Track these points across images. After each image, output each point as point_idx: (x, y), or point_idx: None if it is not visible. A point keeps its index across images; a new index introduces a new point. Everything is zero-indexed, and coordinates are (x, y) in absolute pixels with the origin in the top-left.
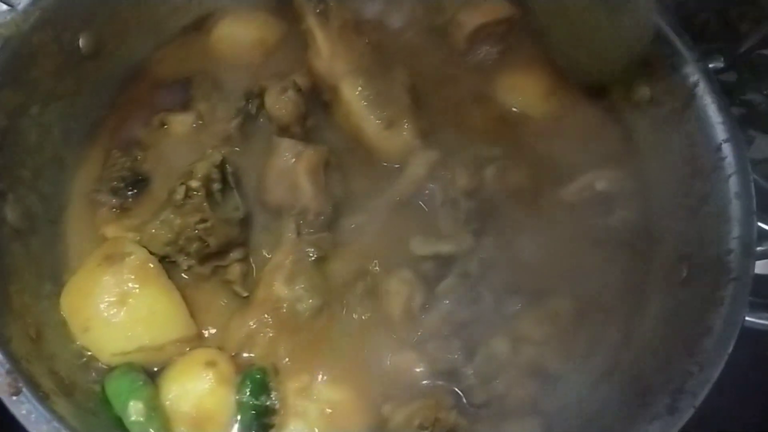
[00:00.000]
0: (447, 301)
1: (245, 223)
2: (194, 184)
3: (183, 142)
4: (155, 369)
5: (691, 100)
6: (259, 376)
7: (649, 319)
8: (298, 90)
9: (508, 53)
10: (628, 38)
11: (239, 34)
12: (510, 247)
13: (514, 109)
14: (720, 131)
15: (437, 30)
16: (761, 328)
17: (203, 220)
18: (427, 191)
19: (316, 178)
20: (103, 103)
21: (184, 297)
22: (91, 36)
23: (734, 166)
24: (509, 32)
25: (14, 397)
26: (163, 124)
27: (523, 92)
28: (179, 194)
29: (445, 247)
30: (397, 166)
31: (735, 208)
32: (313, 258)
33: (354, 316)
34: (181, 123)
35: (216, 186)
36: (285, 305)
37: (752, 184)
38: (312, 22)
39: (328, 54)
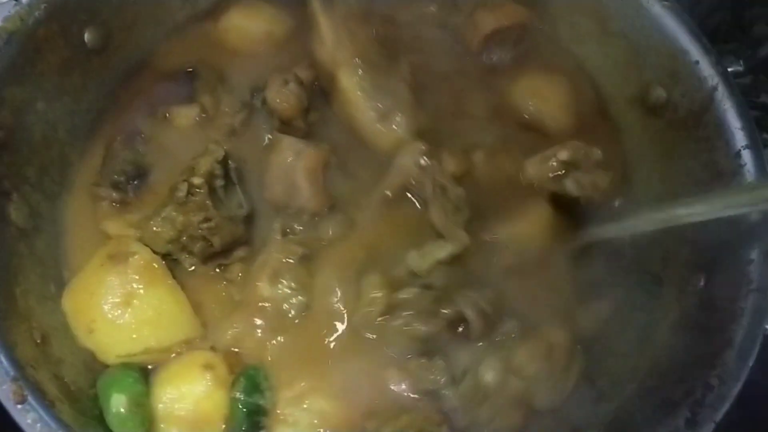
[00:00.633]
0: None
1: (249, 220)
2: (197, 180)
3: (186, 135)
4: (149, 367)
5: (709, 104)
6: (253, 374)
7: (666, 328)
8: (300, 83)
9: (524, 58)
10: None
11: (247, 26)
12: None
13: (525, 116)
14: (740, 137)
15: (450, 28)
16: None
17: (207, 219)
18: (415, 182)
19: (315, 179)
20: (107, 97)
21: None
22: (98, 29)
23: (754, 173)
24: (523, 37)
25: (19, 406)
26: (166, 116)
27: (540, 99)
28: (182, 191)
29: (441, 253)
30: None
31: (755, 215)
32: (299, 257)
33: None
34: (184, 116)
35: (219, 182)
36: (269, 305)
37: None
38: (316, 7)
39: (331, 41)
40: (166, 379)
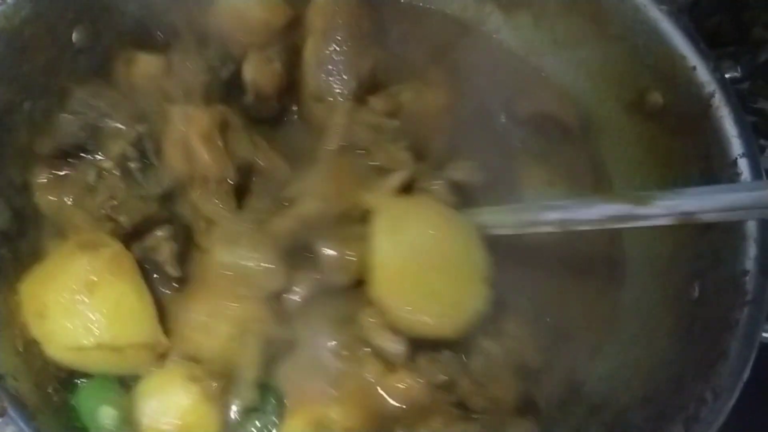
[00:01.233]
0: None
1: (169, 198)
2: (106, 164)
3: (145, 87)
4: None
5: (706, 111)
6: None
7: (659, 338)
8: (284, 63)
9: None
10: None
11: (245, 9)
12: None
13: None
14: (736, 145)
15: None
16: None
17: (111, 198)
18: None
19: (211, 143)
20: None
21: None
22: (86, 29)
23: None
24: None
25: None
26: (129, 61)
27: None
28: (90, 176)
29: (393, 182)
30: None
31: (751, 226)
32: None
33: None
34: (148, 63)
35: (134, 164)
36: (231, 272)
37: None
38: None
39: (322, 7)
40: (148, 391)
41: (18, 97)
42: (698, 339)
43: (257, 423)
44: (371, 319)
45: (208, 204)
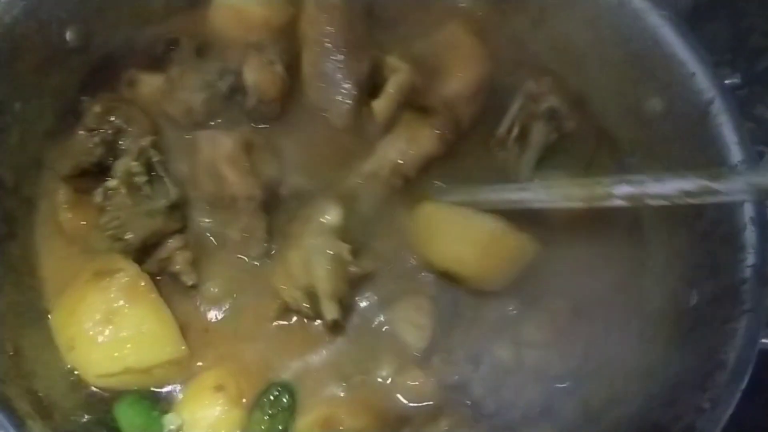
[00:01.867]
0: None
1: (178, 208)
2: (112, 183)
3: (146, 107)
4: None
5: (705, 118)
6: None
7: (656, 346)
8: (285, 65)
9: None
10: None
11: (244, 7)
12: None
13: None
14: (736, 151)
15: None
16: None
17: (115, 218)
18: None
19: (238, 164)
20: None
21: None
22: (79, 29)
23: None
24: None
25: None
26: (131, 83)
27: None
28: (98, 197)
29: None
30: None
31: (749, 235)
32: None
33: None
34: (149, 84)
35: (141, 179)
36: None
37: None
38: None
39: (311, 16)
40: (180, 405)
41: (9, 96)
42: (696, 348)
43: (274, 419)
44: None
45: (240, 220)
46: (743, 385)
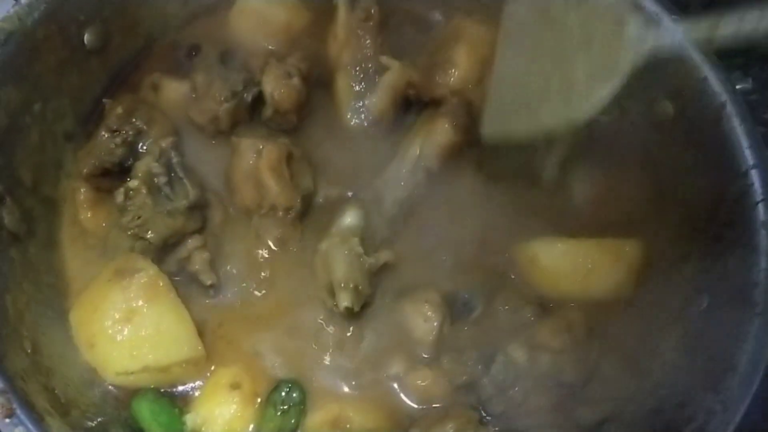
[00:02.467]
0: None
1: (198, 208)
2: (133, 184)
3: (168, 111)
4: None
5: (716, 122)
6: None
7: (668, 349)
8: (303, 78)
9: None
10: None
11: (266, 12)
12: None
13: None
14: (748, 156)
15: None
16: None
17: (137, 217)
18: None
19: (280, 174)
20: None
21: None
22: (98, 30)
23: (761, 194)
24: None
25: (7, 420)
26: (155, 87)
27: None
28: (119, 197)
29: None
30: None
31: (762, 238)
32: None
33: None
34: (174, 90)
35: (161, 180)
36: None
37: None
38: (341, 2)
39: (341, 40)
40: (198, 403)
41: (29, 97)
42: (707, 351)
43: (285, 416)
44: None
45: (277, 230)
46: (754, 387)
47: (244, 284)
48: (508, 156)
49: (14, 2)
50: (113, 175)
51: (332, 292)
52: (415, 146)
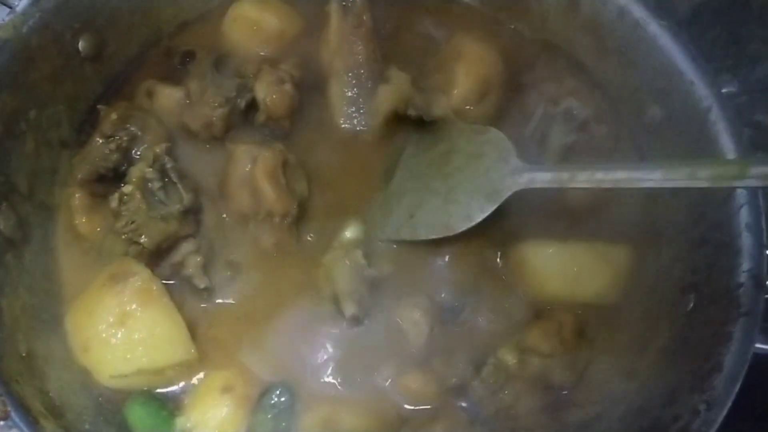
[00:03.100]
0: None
1: (192, 213)
2: (127, 189)
3: (162, 117)
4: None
5: (703, 126)
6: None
7: (654, 349)
8: (296, 84)
9: None
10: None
11: (259, 20)
12: None
13: None
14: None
15: None
16: None
17: (131, 222)
18: None
19: (276, 180)
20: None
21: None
22: (92, 38)
23: (746, 196)
24: None
25: (2, 422)
26: (150, 93)
27: None
28: (113, 202)
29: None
30: None
31: (746, 240)
32: None
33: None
34: (168, 96)
35: (155, 185)
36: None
37: (763, 217)
38: (333, 9)
39: (333, 48)
40: (190, 405)
41: (24, 104)
42: (693, 351)
43: (277, 419)
44: None
45: (273, 235)
46: (737, 387)
47: (237, 288)
48: None
49: (9, 11)
50: (108, 180)
51: (337, 302)
52: None
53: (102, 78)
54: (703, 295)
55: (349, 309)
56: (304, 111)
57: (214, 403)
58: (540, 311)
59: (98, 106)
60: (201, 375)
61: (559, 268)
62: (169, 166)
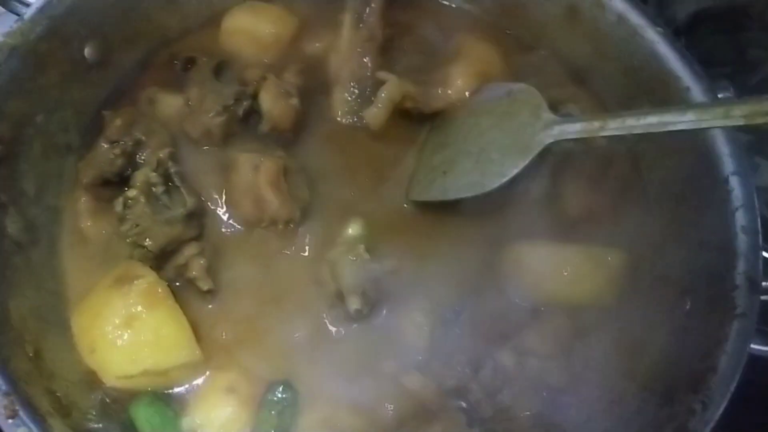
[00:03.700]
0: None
1: (195, 216)
2: (132, 193)
3: (167, 125)
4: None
5: (698, 131)
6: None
7: (652, 351)
8: (301, 97)
9: None
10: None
11: (253, 29)
12: None
13: None
14: (728, 163)
15: None
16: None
17: (136, 225)
18: None
19: (278, 187)
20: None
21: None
22: (98, 44)
23: (741, 199)
24: None
25: (10, 420)
26: (151, 101)
27: None
28: (118, 206)
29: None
30: None
31: (741, 242)
32: None
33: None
34: (169, 104)
35: (159, 189)
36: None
37: (759, 219)
38: (347, 20)
39: (343, 57)
40: (194, 406)
41: (32, 110)
42: (689, 352)
43: (281, 416)
44: None
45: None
46: (733, 387)
47: (241, 289)
48: None
49: (17, 18)
50: (113, 184)
51: (341, 298)
52: None
53: (108, 84)
54: (700, 297)
55: (354, 303)
56: (306, 114)
57: (218, 404)
58: (537, 313)
59: (103, 112)
60: (205, 376)
61: (556, 270)
62: (172, 170)
